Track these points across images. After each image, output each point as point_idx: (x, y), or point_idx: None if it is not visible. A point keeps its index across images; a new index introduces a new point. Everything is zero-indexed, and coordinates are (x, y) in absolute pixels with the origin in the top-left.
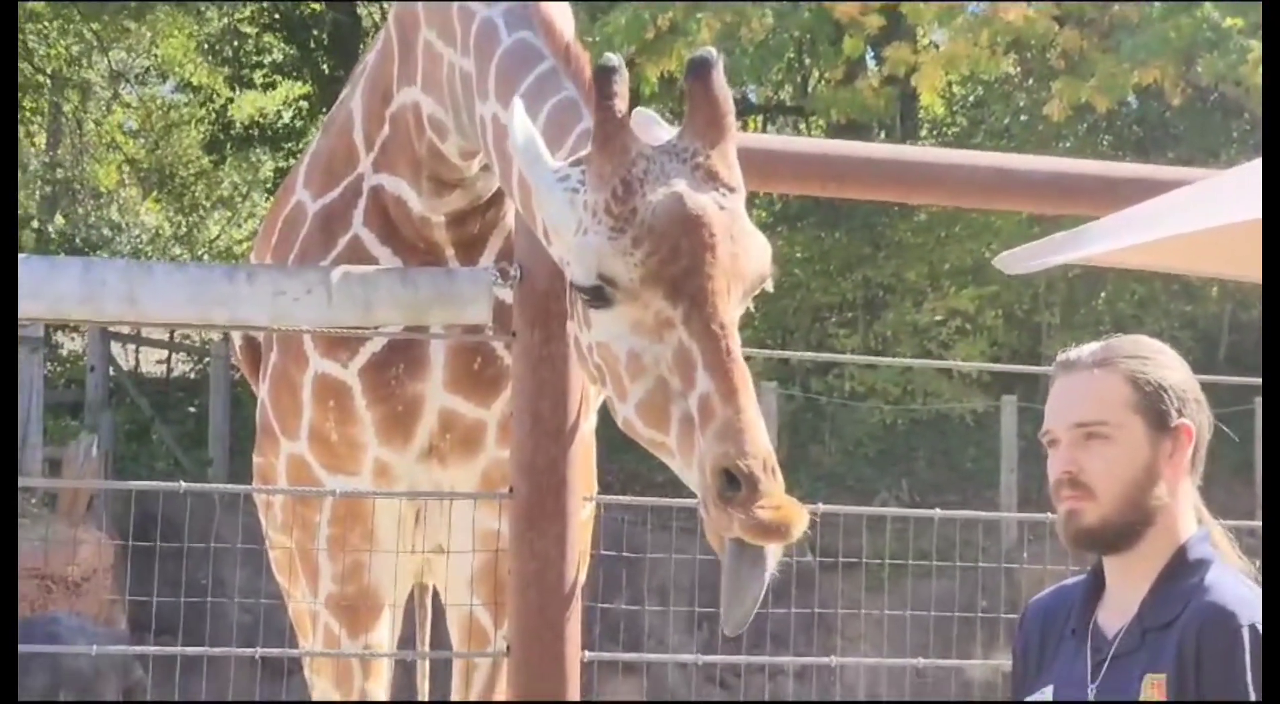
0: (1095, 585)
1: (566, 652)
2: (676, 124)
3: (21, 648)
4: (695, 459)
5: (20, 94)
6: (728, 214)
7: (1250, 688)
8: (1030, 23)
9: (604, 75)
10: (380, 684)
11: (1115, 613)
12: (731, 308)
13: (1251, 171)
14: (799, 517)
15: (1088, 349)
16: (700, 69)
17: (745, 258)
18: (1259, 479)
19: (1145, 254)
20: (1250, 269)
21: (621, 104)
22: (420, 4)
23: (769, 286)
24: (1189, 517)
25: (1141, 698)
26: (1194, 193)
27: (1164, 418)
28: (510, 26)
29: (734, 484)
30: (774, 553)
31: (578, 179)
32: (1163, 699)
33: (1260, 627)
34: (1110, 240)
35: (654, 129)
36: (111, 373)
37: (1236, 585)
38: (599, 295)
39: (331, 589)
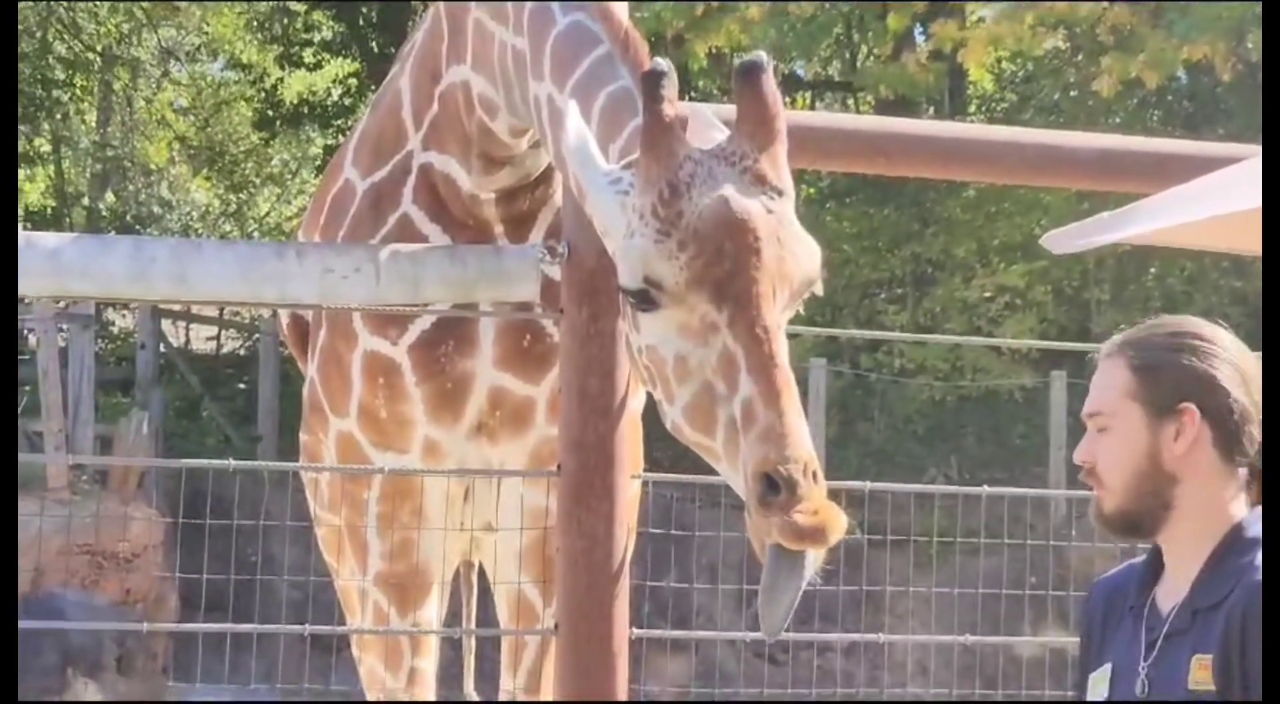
0: (1155, 564)
1: (615, 629)
2: (725, 100)
3: (75, 625)
4: (739, 462)
5: (70, 72)
6: (775, 217)
7: None
8: (1073, 9)
9: (652, 79)
10: (429, 661)
11: (1171, 592)
12: (776, 311)
13: None
14: (837, 523)
15: (1117, 337)
16: (750, 73)
17: (792, 261)
18: None
19: (1194, 233)
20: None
21: (670, 108)
22: None
23: (818, 290)
24: (1237, 497)
25: (1190, 679)
26: (1243, 170)
27: (1164, 405)
28: (565, 8)
29: (774, 488)
30: (813, 560)
31: (629, 182)
32: (1209, 680)
33: None
34: (1159, 219)
35: (709, 130)
36: (162, 350)
37: None
38: (645, 298)
39: (380, 567)
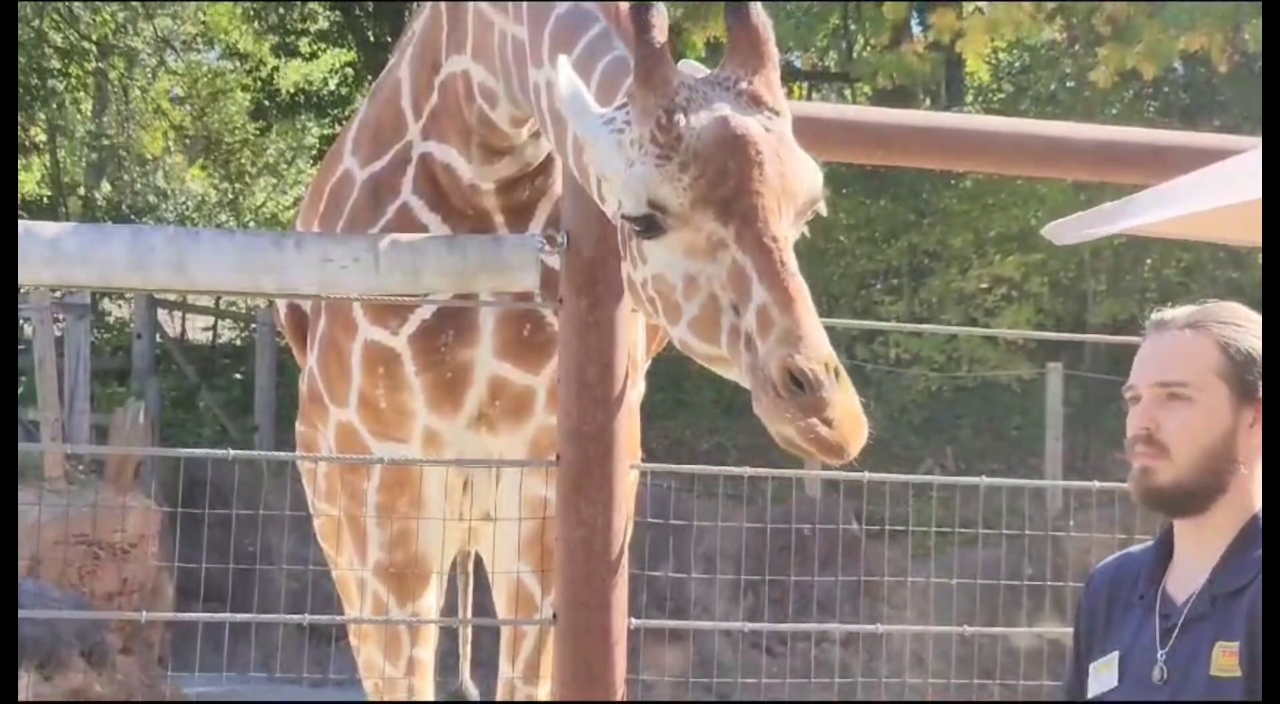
0: (1164, 552)
1: (613, 619)
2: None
3: (72, 613)
4: (755, 363)
5: (66, 61)
6: (774, 135)
7: None
8: None
9: (641, 10)
10: (428, 650)
11: (1185, 580)
12: (783, 224)
13: None
14: (858, 434)
15: (1183, 310)
16: (738, 8)
17: (794, 177)
18: None
19: (1195, 224)
20: None
21: (660, 35)
22: None
23: (822, 209)
24: (1259, 487)
25: (1213, 667)
26: (1243, 162)
27: (1250, 388)
28: None
29: (797, 385)
30: None
31: (623, 120)
32: (1235, 667)
33: None
34: (1159, 210)
35: (697, 75)
36: (158, 340)
37: None
38: (651, 224)
39: (380, 556)
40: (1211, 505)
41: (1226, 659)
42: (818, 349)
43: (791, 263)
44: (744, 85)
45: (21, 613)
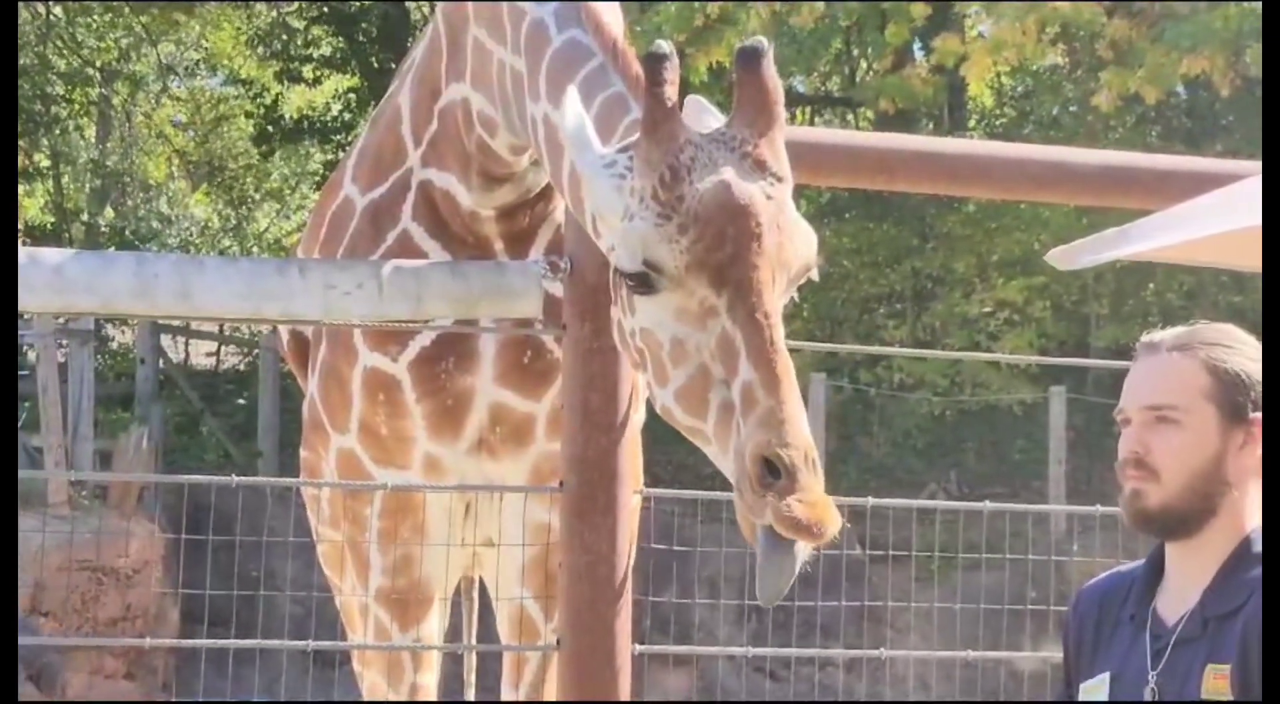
0: (1154, 572)
1: (617, 645)
2: (726, 112)
3: (76, 641)
4: (733, 446)
5: (70, 87)
6: (774, 203)
7: None
8: (1078, 10)
9: (655, 62)
10: (431, 676)
11: (1176, 600)
12: (776, 297)
13: None
14: (833, 518)
15: (1172, 332)
16: (750, 58)
17: (790, 247)
18: None
19: (1198, 250)
20: None
21: (672, 91)
22: (470, 1)
23: (814, 276)
24: (1258, 508)
25: (1204, 690)
26: (1245, 188)
27: (1239, 410)
28: (560, 25)
29: (774, 473)
30: (803, 547)
31: (625, 165)
32: (1226, 691)
33: None
34: (1162, 236)
35: (704, 117)
36: (161, 366)
37: None
38: (644, 281)
39: (382, 582)
40: (1202, 527)
41: (1218, 682)
42: (798, 437)
43: (780, 340)
44: (749, 148)
45: (31, 641)
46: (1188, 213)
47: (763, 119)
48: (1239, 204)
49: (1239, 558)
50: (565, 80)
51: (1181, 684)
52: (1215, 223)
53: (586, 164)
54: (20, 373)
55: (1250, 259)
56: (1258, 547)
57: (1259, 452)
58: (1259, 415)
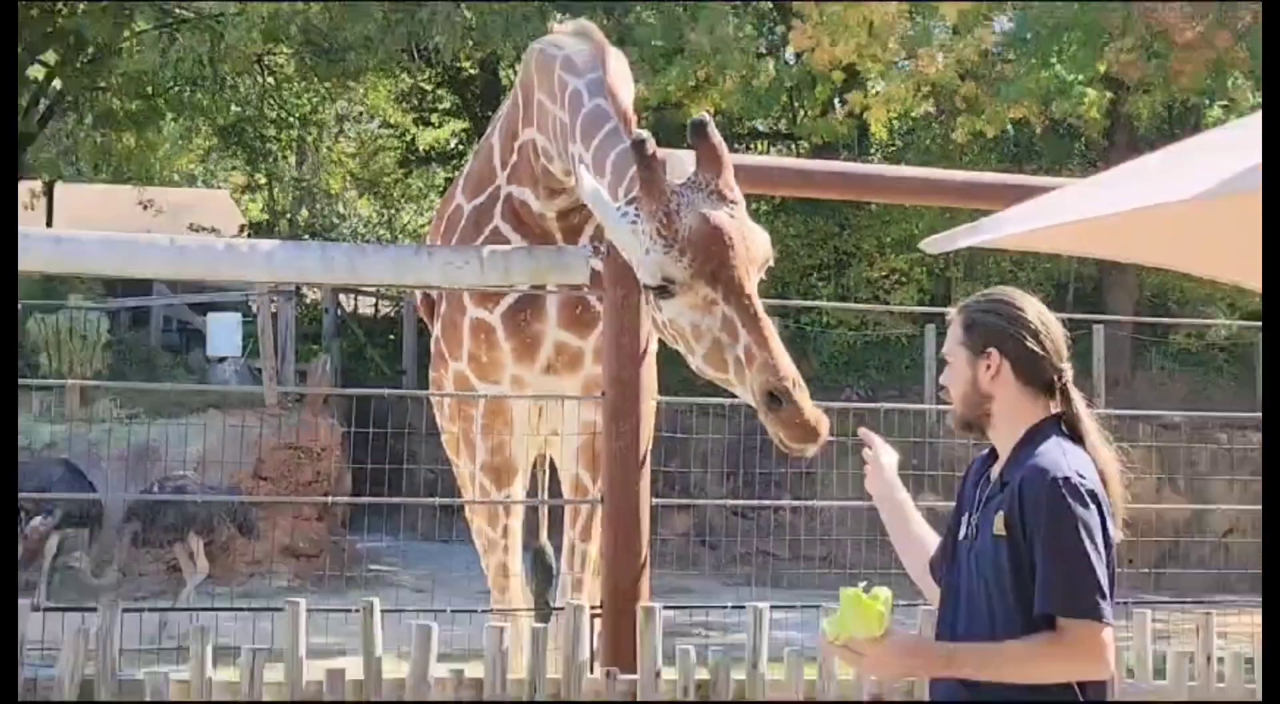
0: (992, 452)
1: (640, 499)
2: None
3: (273, 499)
4: (749, 388)
5: (278, 130)
6: (736, 220)
7: (1042, 518)
8: (941, 75)
9: (640, 146)
10: (517, 521)
11: (995, 471)
12: (752, 283)
13: (1122, 174)
14: (824, 422)
15: (960, 303)
16: (700, 128)
17: (754, 248)
18: (1094, 379)
19: (1024, 239)
20: (1118, 250)
21: (657, 165)
22: (536, 75)
23: (771, 262)
24: (1038, 409)
25: (994, 527)
26: (1067, 193)
27: (978, 346)
28: (590, 94)
29: (777, 401)
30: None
31: (634, 214)
32: (1004, 529)
33: (1063, 479)
34: (1008, 227)
35: (681, 165)
36: (339, 314)
37: (1056, 454)
38: (665, 291)
39: (484, 459)
40: (988, 427)
41: (1000, 523)
42: (787, 371)
43: (761, 312)
44: (712, 187)
45: (249, 499)
46: (1024, 212)
47: (715, 165)
48: (1054, 207)
49: (1023, 443)
50: (593, 133)
51: (985, 524)
52: (1047, 218)
53: (608, 216)
54: (246, 319)
55: (1060, 246)
56: (1036, 435)
57: (1006, 375)
58: (991, 349)
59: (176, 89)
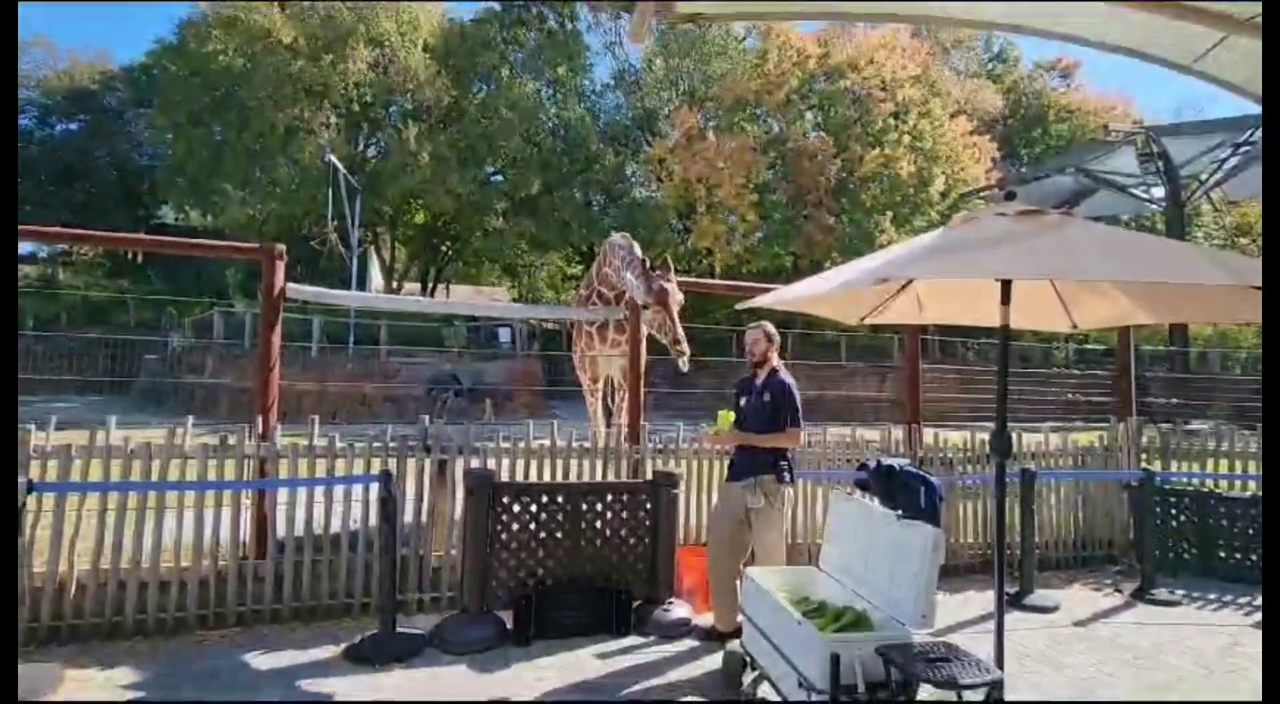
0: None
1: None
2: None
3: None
4: (669, 342)
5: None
6: (673, 286)
7: (770, 404)
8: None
9: (642, 264)
10: (599, 397)
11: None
12: (676, 309)
13: (868, 259)
14: (686, 346)
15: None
16: (664, 273)
17: (677, 297)
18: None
19: (807, 305)
20: (843, 314)
21: (647, 270)
22: (606, 252)
23: (681, 303)
24: (776, 361)
25: (764, 397)
26: (816, 278)
27: (771, 338)
28: (627, 260)
29: (677, 344)
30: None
31: (638, 283)
32: (768, 397)
33: (788, 383)
34: (790, 294)
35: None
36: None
37: (784, 376)
38: (646, 308)
39: (590, 375)
40: (762, 366)
41: (767, 396)
42: (680, 337)
43: (678, 320)
44: (661, 273)
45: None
46: (805, 288)
47: (666, 271)
48: (824, 283)
49: (771, 372)
50: (633, 262)
51: (760, 396)
52: (819, 289)
53: (633, 290)
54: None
55: (832, 310)
56: (778, 370)
57: (773, 352)
58: (762, 331)
59: None
